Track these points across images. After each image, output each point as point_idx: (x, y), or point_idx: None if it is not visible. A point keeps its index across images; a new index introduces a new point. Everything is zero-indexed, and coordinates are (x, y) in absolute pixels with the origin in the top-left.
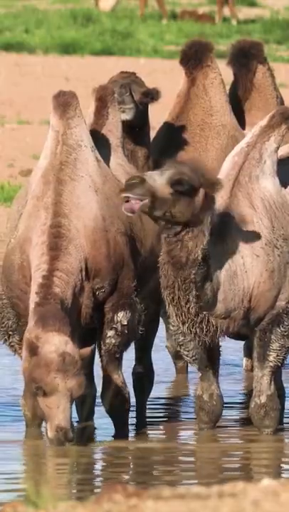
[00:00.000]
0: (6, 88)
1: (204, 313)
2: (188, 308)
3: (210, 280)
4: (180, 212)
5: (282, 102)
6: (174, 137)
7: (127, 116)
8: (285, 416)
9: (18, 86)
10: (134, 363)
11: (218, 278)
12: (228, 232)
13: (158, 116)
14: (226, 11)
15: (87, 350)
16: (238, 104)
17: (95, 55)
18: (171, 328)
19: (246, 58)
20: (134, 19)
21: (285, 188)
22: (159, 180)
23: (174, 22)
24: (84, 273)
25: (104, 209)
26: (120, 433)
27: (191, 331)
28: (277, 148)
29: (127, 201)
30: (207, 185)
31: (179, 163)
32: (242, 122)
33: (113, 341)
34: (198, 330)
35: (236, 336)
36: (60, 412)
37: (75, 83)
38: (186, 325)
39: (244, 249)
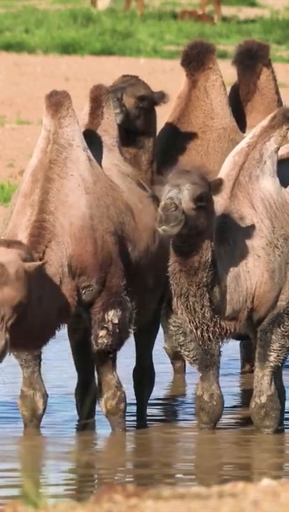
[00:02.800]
0: (5, 88)
1: (216, 316)
2: (204, 313)
3: (218, 282)
4: (202, 224)
5: (280, 106)
6: (175, 140)
7: (116, 121)
8: (285, 416)
9: (18, 86)
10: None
11: (224, 279)
12: (229, 232)
13: (158, 116)
14: (225, 11)
15: (34, 263)
16: (239, 105)
17: (95, 55)
18: (172, 328)
19: (252, 60)
20: (134, 19)
21: (285, 188)
22: (183, 199)
23: (174, 22)
24: (66, 269)
25: (94, 208)
26: (117, 433)
27: (203, 336)
28: (278, 148)
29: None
30: (214, 188)
31: (184, 171)
32: (242, 124)
33: (105, 341)
34: (210, 335)
35: (235, 336)
36: None
37: (74, 83)
38: (199, 330)
39: (246, 249)
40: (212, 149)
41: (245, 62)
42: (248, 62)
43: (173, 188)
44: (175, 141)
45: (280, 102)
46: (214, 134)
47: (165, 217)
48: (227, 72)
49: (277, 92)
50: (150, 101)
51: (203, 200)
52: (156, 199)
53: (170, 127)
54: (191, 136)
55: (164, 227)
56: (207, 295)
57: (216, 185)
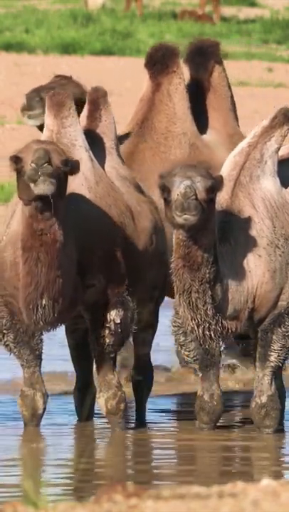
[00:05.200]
0: (5, 88)
1: (218, 314)
2: (206, 310)
3: (220, 280)
4: (211, 215)
5: (233, 102)
6: (138, 145)
7: (35, 122)
8: (285, 416)
9: (18, 86)
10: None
11: (226, 278)
12: (230, 232)
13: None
14: (225, 11)
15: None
16: (193, 104)
17: (95, 55)
18: (173, 328)
19: (203, 57)
20: (134, 19)
21: (286, 188)
22: (197, 189)
23: (174, 22)
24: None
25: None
26: (117, 433)
27: (205, 334)
28: (278, 148)
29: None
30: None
31: (191, 165)
32: (197, 122)
33: (107, 341)
34: (212, 333)
35: (236, 335)
36: (35, 152)
37: None
38: (201, 328)
39: (247, 249)
40: (173, 156)
41: (196, 60)
42: (199, 60)
43: (185, 179)
44: (138, 146)
45: (232, 99)
46: (176, 140)
47: (187, 205)
48: (227, 72)
49: (230, 89)
50: (80, 101)
51: (213, 192)
52: (166, 189)
53: (133, 131)
54: (155, 142)
55: (186, 216)
56: (209, 292)
57: (218, 182)
